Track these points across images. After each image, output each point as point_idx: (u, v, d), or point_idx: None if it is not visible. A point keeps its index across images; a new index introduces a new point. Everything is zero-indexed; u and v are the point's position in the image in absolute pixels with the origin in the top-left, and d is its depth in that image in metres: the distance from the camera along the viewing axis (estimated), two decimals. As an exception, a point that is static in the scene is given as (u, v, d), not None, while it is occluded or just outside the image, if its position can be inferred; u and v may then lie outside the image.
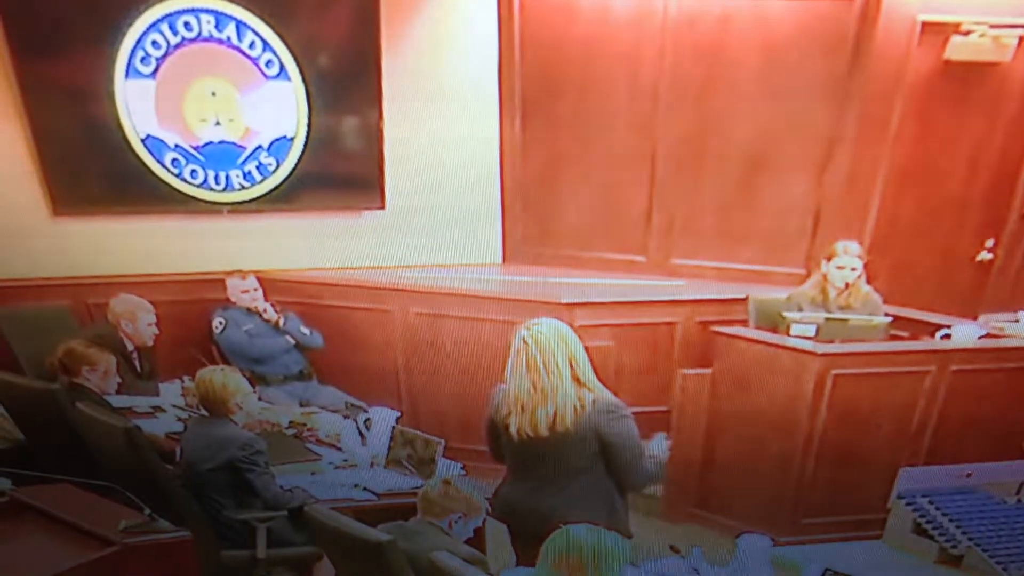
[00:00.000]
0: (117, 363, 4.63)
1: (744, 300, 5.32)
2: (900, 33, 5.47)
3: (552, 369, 3.30)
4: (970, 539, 3.41)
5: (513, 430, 3.37)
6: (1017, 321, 5.13)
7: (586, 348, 3.41)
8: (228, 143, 5.68)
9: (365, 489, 4.08)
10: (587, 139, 6.08)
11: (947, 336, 4.96)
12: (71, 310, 5.42)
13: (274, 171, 5.78)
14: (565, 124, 6.10)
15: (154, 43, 5.42)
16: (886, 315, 5.04)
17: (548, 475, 3.39)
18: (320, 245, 5.93)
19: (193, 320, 5.41)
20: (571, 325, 3.45)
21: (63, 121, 5.39)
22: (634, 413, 3.33)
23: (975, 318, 5.29)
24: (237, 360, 5.26)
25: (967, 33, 5.49)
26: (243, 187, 5.77)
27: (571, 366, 3.33)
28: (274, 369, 5.36)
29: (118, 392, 4.64)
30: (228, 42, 5.53)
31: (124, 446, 3.82)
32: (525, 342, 3.33)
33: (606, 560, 2.65)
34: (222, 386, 4.00)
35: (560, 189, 6.22)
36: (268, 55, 5.58)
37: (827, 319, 4.95)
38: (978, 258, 6.01)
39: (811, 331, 4.90)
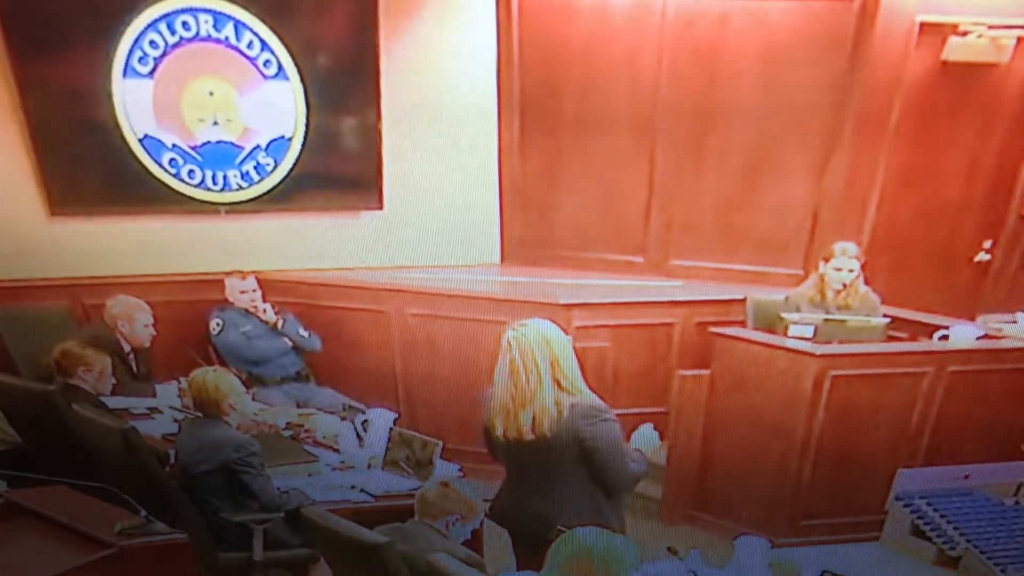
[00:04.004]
0: (114, 364, 4.63)
1: (742, 301, 5.30)
2: (898, 34, 5.45)
3: (532, 372, 3.24)
4: (968, 541, 3.41)
5: (499, 432, 3.33)
6: (1015, 322, 5.12)
7: (584, 349, 3.36)
8: (226, 143, 5.67)
9: (362, 491, 4.06)
10: (585, 139, 6.06)
11: (945, 337, 4.96)
12: (68, 311, 5.42)
13: (272, 171, 5.77)
14: (563, 125, 6.08)
15: (152, 43, 5.40)
16: (884, 316, 5.03)
17: (535, 478, 3.36)
18: (318, 245, 5.92)
19: (190, 321, 5.39)
20: (568, 326, 3.41)
21: (61, 121, 5.37)
22: (632, 414, 3.30)
23: (973, 319, 5.28)
24: (234, 361, 5.26)
25: (965, 34, 5.48)
26: (241, 187, 5.76)
27: (553, 368, 3.25)
28: (271, 370, 5.35)
29: (115, 393, 4.64)
30: (226, 42, 5.51)
31: (121, 448, 3.81)
32: (510, 344, 3.27)
33: (615, 564, 2.62)
34: (215, 387, 3.99)
35: (558, 190, 6.20)
36: (266, 55, 5.57)
37: (825, 320, 4.95)
38: (976, 259, 5.99)
39: (809, 332, 4.89)
